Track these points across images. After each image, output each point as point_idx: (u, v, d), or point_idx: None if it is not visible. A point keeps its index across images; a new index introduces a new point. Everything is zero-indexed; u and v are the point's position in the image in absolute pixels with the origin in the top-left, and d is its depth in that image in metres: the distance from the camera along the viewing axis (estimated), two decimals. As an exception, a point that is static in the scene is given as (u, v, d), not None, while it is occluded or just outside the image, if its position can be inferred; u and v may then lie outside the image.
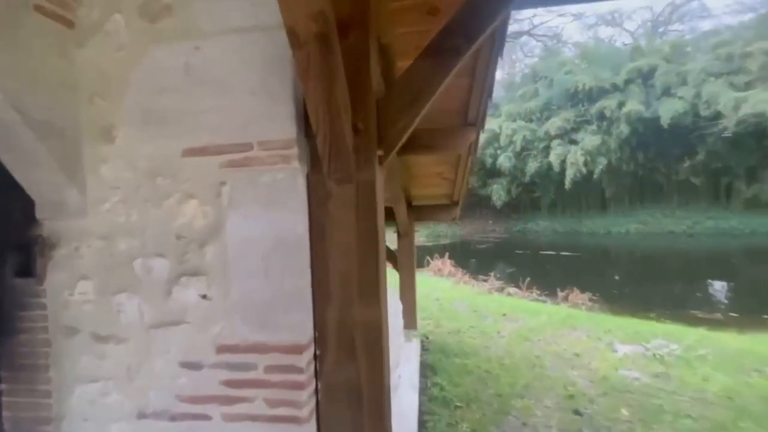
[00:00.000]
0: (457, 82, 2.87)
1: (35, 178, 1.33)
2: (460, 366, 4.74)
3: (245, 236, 1.33)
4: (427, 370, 4.65)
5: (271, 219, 1.31)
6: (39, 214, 1.41)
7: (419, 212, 5.37)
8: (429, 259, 12.65)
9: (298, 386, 1.31)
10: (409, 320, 5.24)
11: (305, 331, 1.34)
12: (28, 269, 1.45)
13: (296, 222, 1.31)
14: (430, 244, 21.45)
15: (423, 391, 4.15)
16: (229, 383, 1.35)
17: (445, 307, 7.27)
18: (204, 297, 1.36)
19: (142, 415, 1.41)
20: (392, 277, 8.98)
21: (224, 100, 1.32)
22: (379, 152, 1.40)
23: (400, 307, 3.64)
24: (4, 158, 1.27)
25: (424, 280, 10.03)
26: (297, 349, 1.31)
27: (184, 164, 1.35)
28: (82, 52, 1.38)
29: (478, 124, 3.26)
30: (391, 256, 5.38)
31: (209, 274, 1.35)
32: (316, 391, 1.41)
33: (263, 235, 1.32)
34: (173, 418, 1.39)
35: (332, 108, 1.16)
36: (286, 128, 1.30)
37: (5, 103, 1.13)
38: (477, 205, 27.92)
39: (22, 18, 1.20)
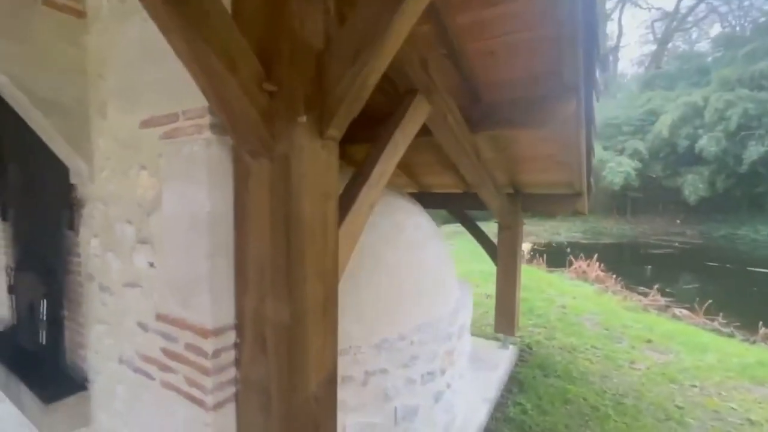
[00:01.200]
0: (540, 33, 2.21)
1: (56, 149, 1.60)
2: (557, 390, 3.90)
3: (172, 210, 1.30)
4: (513, 384, 4.01)
5: (187, 194, 1.25)
6: (72, 178, 1.72)
7: (530, 201, 4.55)
8: (572, 258, 10.86)
9: (205, 372, 1.24)
10: (506, 324, 4.60)
11: (217, 316, 1.24)
12: (72, 223, 1.80)
13: (208, 198, 1.20)
14: (585, 241, 18.46)
15: (498, 407, 3.60)
16: (164, 351, 1.38)
17: (570, 317, 6.10)
18: (151, 265, 1.42)
19: (121, 360, 1.59)
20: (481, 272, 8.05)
21: (163, 70, 1.30)
22: (302, 118, 1.14)
23: (468, 305, 3.13)
24: (38, 132, 1.58)
25: (556, 281, 8.68)
26: (204, 333, 1.23)
27: (141, 136, 1.41)
28: (89, 38, 1.57)
29: (582, 87, 2.46)
30: (491, 249, 4.78)
31: (153, 244, 1.40)
32: (237, 382, 1.32)
33: (183, 211, 1.27)
34: (135, 370, 1.52)
35: (213, 62, 0.99)
36: (200, 94, 1.19)
37: (12, 85, 1.37)
38: (659, 199, 22.41)
39: (32, 12, 1.43)
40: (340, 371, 2.09)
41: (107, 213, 1.59)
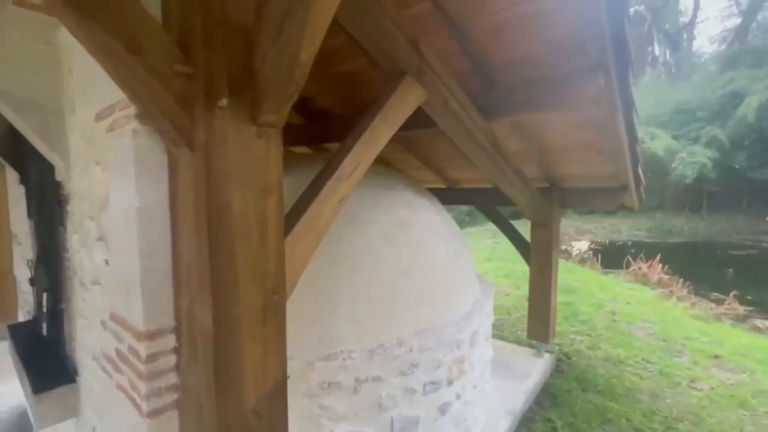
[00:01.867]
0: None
1: (38, 147, 1.64)
2: (596, 407, 3.48)
3: (115, 206, 1.25)
4: (545, 397, 3.65)
5: (123, 188, 1.18)
6: (56, 175, 1.75)
7: (568, 196, 4.10)
8: (630, 259, 9.85)
9: (141, 376, 1.17)
10: (539, 330, 4.21)
11: (150, 318, 1.16)
12: (62, 219, 1.85)
13: (137, 193, 1.12)
14: (650, 240, 16.75)
15: (525, 422, 3.28)
16: (117, 351, 1.34)
17: (619, 325, 5.47)
18: (106, 262, 1.38)
19: (93, 357, 1.60)
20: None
21: (106, 59, 1.24)
22: (222, 102, 1.02)
23: (485, 310, 2.83)
24: (20, 131, 1.62)
25: (609, 284, 7.90)
26: (138, 336, 1.16)
27: (95, 130, 1.38)
28: (61, 35, 1.58)
29: (611, 62, 2.12)
30: (524, 249, 4.40)
31: (107, 241, 1.36)
32: (178, 389, 1.23)
33: (121, 207, 1.21)
34: (102, 368, 1.51)
35: (109, 43, 0.90)
36: (128, 82, 1.11)
37: (-15, 84, 1.40)
38: (743, 193, 19.74)
39: (2, 12, 1.45)
40: (328, 377, 1.98)
41: (81, 209, 1.61)
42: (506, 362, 4.13)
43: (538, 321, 4.22)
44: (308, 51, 1.01)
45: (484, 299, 3.02)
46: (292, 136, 3.60)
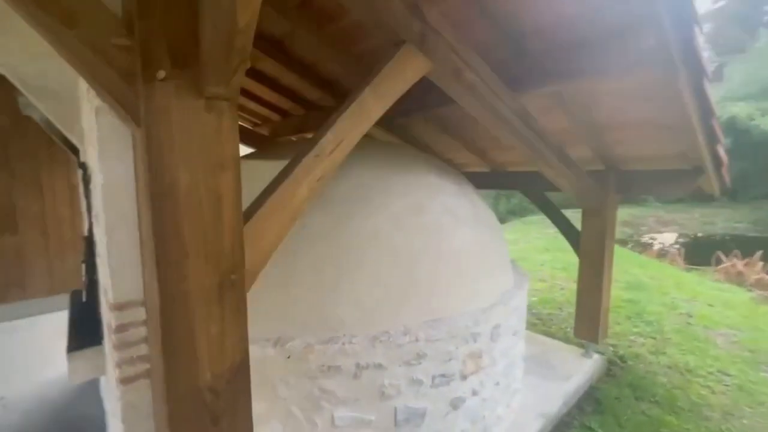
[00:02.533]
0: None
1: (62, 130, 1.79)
2: (650, 420, 3.07)
3: (93, 182, 1.31)
4: (588, 402, 3.31)
5: (94, 166, 1.22)
6: (80, 156, 1.91)
7: (628, 181, 3.58)
8: (721, 255, 8.51)
9: (114, 345, 1.23)
10: (587, 328, 3.81)
11: (119, 291, 1.22)
12: (88, 198, 2.03)
13: (100, 170, 1.15)
14: (753, 234, 14.34)
15: (561, 426, 3.01)
16: (109, 321, 1.43)
17: (695, 330, 4.75)
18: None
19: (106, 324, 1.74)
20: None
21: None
22: (160, 74, 0.99)
23: (514, 304, 2.56)
24: (48, 115, 1.78)
25: (689, 282, 6.91)
26: (110, 307, 1.22)
27: (88, 111, 1.45)
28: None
29: (663, 13, 1.77)
30: (574, 238, 3.97)
31: (97, 216, 1.44)
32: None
33: (95, 183, 1.25)
34: (107, 335, 1.63)
35: (40, 15, 0.91)
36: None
37: (7, 74, 1.55)
38: None
39: (20, 5, 1.58)
40: (327, 360, 1.96)
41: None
42: (548, 361, 3.83)
43: (587, 318, 3.81)
44: (245, 16, 0.94)
45: (514, 291, 2.78)
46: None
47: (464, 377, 2.32)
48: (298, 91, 4.00)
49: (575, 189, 3.32)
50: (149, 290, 1.14)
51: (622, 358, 4.02)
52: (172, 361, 1.09)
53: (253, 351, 1.94)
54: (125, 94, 1.01)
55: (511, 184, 4.50)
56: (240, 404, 1.23)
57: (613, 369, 3.84)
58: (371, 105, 1.58)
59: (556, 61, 2.21)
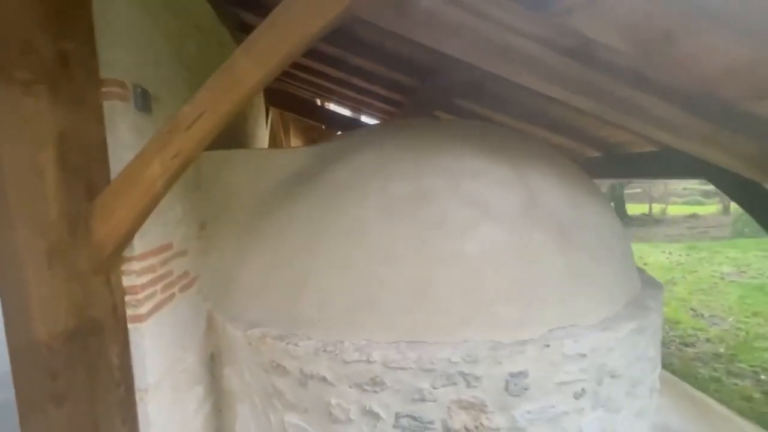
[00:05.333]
0: None
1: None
2: None
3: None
4: None
5: None
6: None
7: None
8: None
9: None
10: None
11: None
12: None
13: None
14: None
15: None
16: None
17: None
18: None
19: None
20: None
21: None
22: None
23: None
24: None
25: None
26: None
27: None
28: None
29: None
30: None
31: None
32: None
33: None
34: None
35: None
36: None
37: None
38: None
39: None
40: (276, 357, 1.84)
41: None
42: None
43: None
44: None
45: (584, 332, 1.78)
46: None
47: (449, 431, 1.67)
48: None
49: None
50: None
51: None
52: (11, 315, 1.27)
53: (230, 329, 2.04)
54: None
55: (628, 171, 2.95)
56: (78, 366, 1.31)
57: None
58: (246, 69, 1.34)
59: None
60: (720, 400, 3.00)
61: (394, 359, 1.64)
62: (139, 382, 1.56)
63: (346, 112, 6.84)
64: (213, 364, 2.26)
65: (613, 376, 1.84)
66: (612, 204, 17.39)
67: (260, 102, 4.51)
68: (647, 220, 18.86)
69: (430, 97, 3.81)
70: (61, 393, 1.29)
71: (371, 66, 3.49)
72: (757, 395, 3.13)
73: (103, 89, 1.43)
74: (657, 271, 7.18)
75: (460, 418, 1.66)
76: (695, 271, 6.84)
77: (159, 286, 1.71)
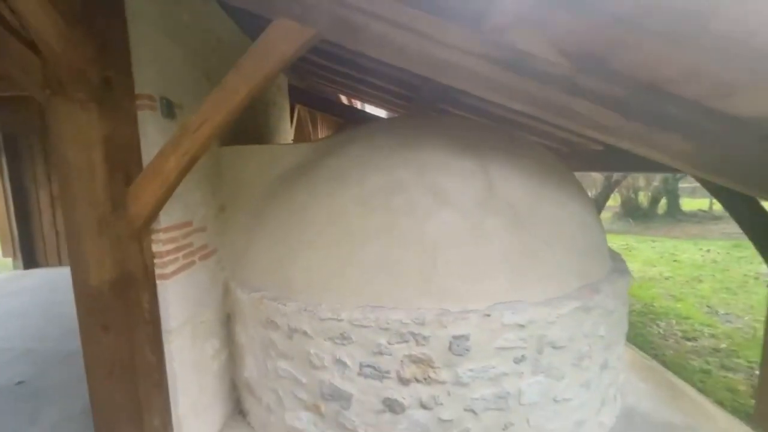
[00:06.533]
0: None
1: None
2: None
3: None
4: None
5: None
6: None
7: None
8: None
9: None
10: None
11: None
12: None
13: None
14: None
15: None
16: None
17: None
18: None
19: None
20: None
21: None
22: (46, 92, 1.65)
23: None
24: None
25: None
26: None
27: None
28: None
29: None
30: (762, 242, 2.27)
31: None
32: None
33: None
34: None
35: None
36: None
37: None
38: None
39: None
40: (270, 315, 2.29)
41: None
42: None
43: (778, 400, 2.15)
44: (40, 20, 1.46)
45: (526, 307, 2.05)
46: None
47: (404, 381, 2.02)
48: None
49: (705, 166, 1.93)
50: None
51: None
52: (74, 268, 1.79)
53: (239, 293, 2.51)
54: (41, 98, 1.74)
55: (626, 164, 3.02)
56: (119, 305, 1.81)
57: None
58: (234, 86, 1.74)
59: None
60: (702, 391, 3.09)
61: (357, 318, 2.02)
62: (164, 324, 2.06)
63: (367, 107, 7.19)
64: (229, 323, 2.75)
65: (555, 347, 2.09)
66: (664, 199, 16.38)
67: (284, 100, 4.98)
68: (705, 217, 17.58)
69: (434, 93, 4.08)
70: (107, 323, 1.80)
71: (381, 67, 3.82)
72: (743, 388, 3.15)
73: (137, 102, 1.90)
74: (686, 269, 6.97)
75: (411, 370, 2.01)
76: (727, 270, 6.56)
77: (181, 254, 2.20)
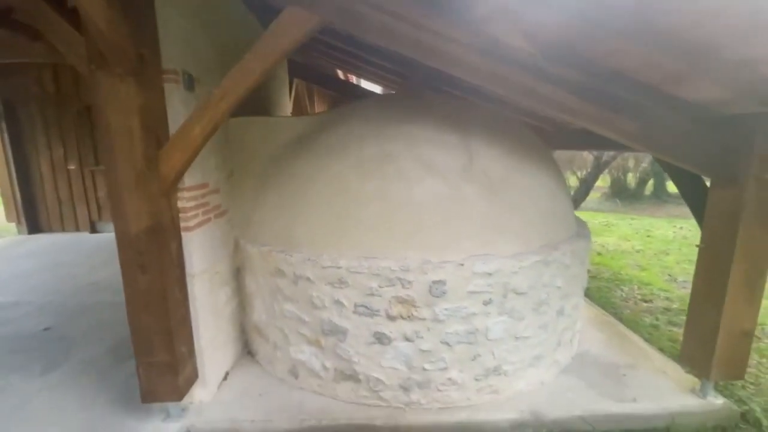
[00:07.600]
0: None
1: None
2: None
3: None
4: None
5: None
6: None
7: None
8: None
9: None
10: (700, 354, 2.62)
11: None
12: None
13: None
14: None
15: (556, 436, 2.46)
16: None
17: None
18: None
19: (182, 212, 3.05)
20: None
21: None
22: (92, 66, 1.94)
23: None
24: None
25: None
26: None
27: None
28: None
29: None
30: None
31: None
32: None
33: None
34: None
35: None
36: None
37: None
38: None
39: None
40: (278, 264, 2.65)
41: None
42: (624, 375, 2.93)
43: (698, 340, 2.62)
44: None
45: (492, 258, 2.45)
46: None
47: (392, 318, 2.43)
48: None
49: (696, 154, 2.29)
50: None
51: (759, 422, 2.49)
52: (116, 218, 2.12)
53: (249, 248, 2.86)
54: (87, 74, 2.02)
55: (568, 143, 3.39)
56: (153, 250, 2.16)
57: None
58: (251, 65, 2.04)
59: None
60: (648, 340, 3.59)
61: (353, 266, 2.40)
62: (189, 269, 2.42)
63: (363, 83, 7.37)
64: (238, 275, 3.13)
65: (517, 293, 2.51)
66: (652, 180, 16.85)
67: (284, 74, 5.19)
68: (688, 198, 18.17)
69: (428, 71, 4.35)
70: (144, 265, 2.16)
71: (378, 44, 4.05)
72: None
73: (164, 76, 2.19)
74: (656, 243, 7.48)
75: (397, 309, 2.41)
76: (694, 245, 7.06)
77: (200, 211, 2.53)
